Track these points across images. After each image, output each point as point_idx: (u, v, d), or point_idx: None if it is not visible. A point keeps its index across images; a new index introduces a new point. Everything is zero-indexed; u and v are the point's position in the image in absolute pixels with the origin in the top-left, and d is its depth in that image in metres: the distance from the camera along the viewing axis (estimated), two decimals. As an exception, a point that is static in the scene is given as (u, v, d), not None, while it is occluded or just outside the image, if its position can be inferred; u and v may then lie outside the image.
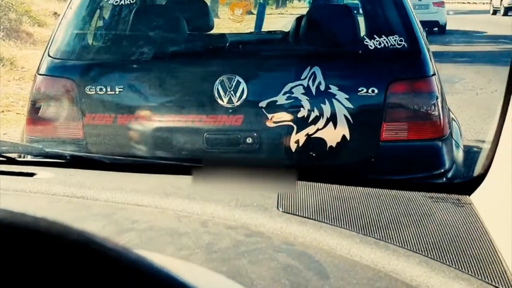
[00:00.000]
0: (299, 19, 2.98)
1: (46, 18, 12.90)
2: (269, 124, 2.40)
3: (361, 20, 2.87)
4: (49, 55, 2.54)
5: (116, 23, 2.95)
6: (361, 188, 1.20)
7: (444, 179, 2.39)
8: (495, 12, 21.29)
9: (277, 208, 1.07)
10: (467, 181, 1.24)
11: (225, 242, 0.93)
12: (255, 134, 2.42)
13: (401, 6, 2.62)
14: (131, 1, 2.69)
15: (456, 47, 12.56)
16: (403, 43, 2.49)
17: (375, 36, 2.50)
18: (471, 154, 3.47)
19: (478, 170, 1.17)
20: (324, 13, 3.03)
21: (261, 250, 0.91)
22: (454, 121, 2.80)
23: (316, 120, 2.39)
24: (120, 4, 2.71)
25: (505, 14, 20.07)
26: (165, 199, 1.11)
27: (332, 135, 2.40)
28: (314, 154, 2.42)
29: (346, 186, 1.20)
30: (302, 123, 2.40)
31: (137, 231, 0.96)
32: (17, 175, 1.33)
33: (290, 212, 1.06)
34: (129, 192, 1.16)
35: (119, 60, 2.62)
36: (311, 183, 1.22)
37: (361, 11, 3.04)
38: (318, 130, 2.40)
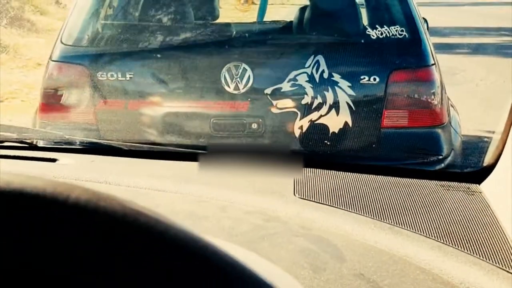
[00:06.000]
0: (302, 9, 3.04)
1: (48, 6, 12.89)
2: (274, 110, 2.48)
3: (363, 11, 2.93)
4: (61, 42, 2.61)
5: (126, 11, 3.01)
6: (373, 176, 1.22)
7: (442, 165, 2.47)
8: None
9: (294, 194, 1.09)
10: (477, 171, 1.24)
11: (244, 226, 0.95)
12: (260, 120, 2.50)
13: None
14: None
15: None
16: (404, 33, 2.56)
17: (377, 26, 2.57)
18: (478, 144, 3.52)
19: (488, 159, 1.18)
20: (328, 4, 3.09)
21: (279, 234, 0.93)
22: (453, 109, 2.88)
23: (319, 106, 2.47)
24: None
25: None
26: (184, 185, 1.13)
27: (335, 122, 2.47)
28: (317, 141, 2.50)
29: (359, 174, 1.22)
30: (306, 109, 2.47)
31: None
32: (39, 161, 1.35)
33: (306, 198, 1.08)
34: (149, 177, 1.18)
35: (129, 47, 2.69)
36: (323, 170, 1.24)
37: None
38: (321, 116, 2.47)
